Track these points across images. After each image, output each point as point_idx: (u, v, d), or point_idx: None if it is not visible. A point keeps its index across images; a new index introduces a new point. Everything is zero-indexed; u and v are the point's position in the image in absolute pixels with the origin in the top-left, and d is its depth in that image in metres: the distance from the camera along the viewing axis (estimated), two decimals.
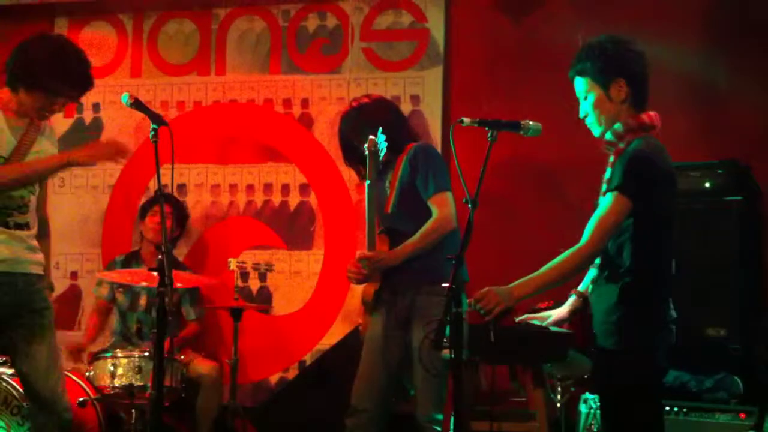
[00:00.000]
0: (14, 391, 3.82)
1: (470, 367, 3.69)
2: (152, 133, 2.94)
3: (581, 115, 2.74)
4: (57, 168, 3.18)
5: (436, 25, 4.98)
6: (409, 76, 4.97)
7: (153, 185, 5.17)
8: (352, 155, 3.64)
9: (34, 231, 3.22)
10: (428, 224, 3.46)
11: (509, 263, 4.62)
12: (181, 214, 4.90)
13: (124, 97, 2.95)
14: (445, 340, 2.56)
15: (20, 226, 3.16)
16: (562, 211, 4.56)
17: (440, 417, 3.43)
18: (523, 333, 2.68)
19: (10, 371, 3.90)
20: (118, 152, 3.21)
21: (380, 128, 3.43)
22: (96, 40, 5.25)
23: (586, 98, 2.71)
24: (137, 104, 2.97)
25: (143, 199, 5.04)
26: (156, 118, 2.96)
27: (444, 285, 2.56)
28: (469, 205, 2.59)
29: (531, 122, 2.74)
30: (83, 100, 4.99)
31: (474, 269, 3.32)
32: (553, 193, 4.75)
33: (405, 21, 5.04)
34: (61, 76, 3.11)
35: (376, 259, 3.44)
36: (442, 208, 3.46)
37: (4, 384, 3.83)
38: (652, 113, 2.69)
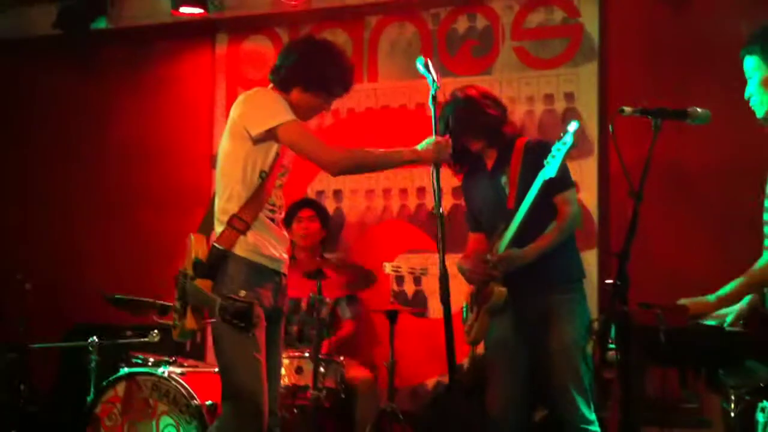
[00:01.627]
0: (183, 390, 3.94)
1: (638, 370, 3.53)
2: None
3: (746, 95, 2.60)
4: (404, 163, 3.33)
5: (589, 20, 4.84)
6: (563, 73, 4.85)
7: (310, 192, 5.30)
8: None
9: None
10: (561, 222, 3.37)
11: (667, 267, 4.46)
12: (323, 213, 4.93)
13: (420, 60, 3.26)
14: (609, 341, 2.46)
15: (279, 226, 3.20)
16: (728, 215, 4.33)
17: (594, 417, 3.30)
18: (696, 334, 2.52)
19: (179, 370, 4.08)
20: (449, 151, 3.23)
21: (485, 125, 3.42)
22: (255, 53, 5.45)
23: (752, 77, 2.57)
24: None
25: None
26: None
27: (608, 281, 2.46)
28: (634, 198, 2.48)
29: (699, 109, 2.60)
30: None
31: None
32: (718, 196, 4.50)
33: (557, 17, 4.93)
34: (339, 76, 3.19)
35: (511, 258, 3.34)
36: (570, 205, 3.42)
37: (173, 383, 3.96)
38: None
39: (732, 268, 2.61)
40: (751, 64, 2.59)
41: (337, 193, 5.28)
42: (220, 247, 3.01)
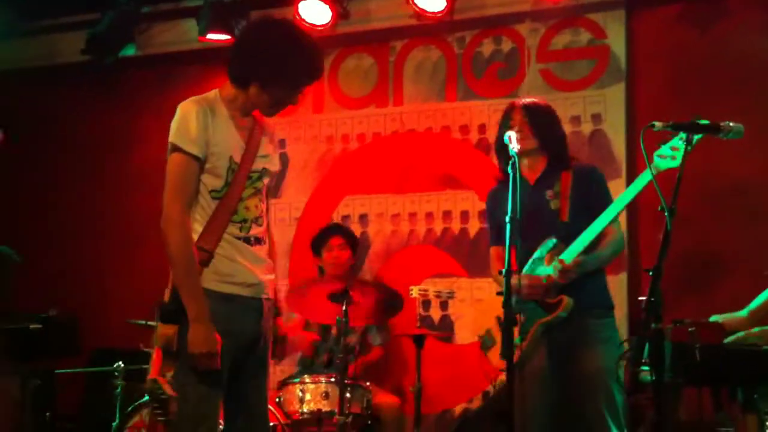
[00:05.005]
0: None
1: (673, 389, 3.45)
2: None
3: None
4: (187, 306, 2.64)
5: (616, 41, 4.81)
6: (590, 95, 4.81)
7: (336, 217, 5.28)
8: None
9: (267, 246, 2.87)
10: (613, 241, 3.35)
11: (694, 285, 4.39)
12: (352, 240, 4.87)
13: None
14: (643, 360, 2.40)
15: (259, 241, 2.81)
16: (756, 232, 4.26)
17: None
18: (732, 352, 2.46)
19: None
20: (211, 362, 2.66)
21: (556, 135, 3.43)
22: None
23: None
24: None
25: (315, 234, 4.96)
26: None
27: (641, 298, 2.40)
28: (666, 214, 2.44)
29: (732, 123, 2.55)
30: None
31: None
32: (746, 213, 4.44)
33: (583, 39, 4.91)
34: (301, 67, 2.75)
35: (583, 265, 3.26)
36: (617, 227, 3.41)
37: None
38: None
39: (763, 281, 2.56)
40: None
41: (363, 218, 5.25)
42: None
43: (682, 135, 2.87)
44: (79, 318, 5.18)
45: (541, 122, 3.49)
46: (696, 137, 2.85)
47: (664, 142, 2.87)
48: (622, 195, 3.27)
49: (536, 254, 3.38)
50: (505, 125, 3.51)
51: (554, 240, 3.34)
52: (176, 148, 2.71)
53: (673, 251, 2.97)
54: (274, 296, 2.89)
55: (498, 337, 3.58)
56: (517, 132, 3.39)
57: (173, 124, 2.75)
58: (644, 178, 3.14)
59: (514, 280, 3.21)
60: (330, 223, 5.13)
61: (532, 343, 3.41)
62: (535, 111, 3.52)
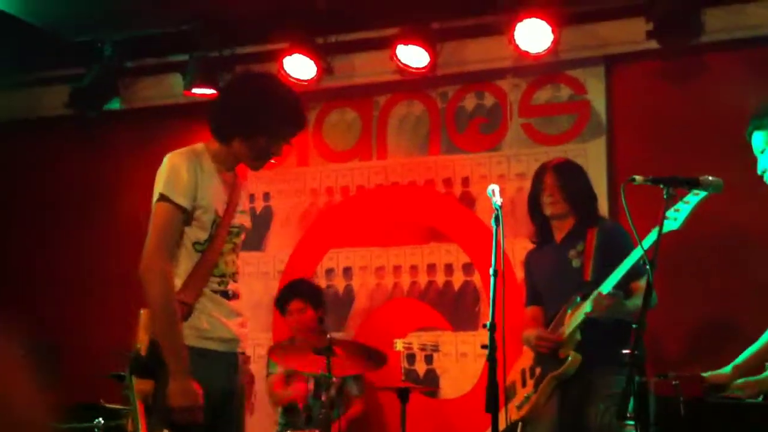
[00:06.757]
0: None
1: None
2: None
3: (759, 170, 2.61)
4: (168, 359, 2.61)
5: (596, 97, 4.89)
6: (571, 149, 4.87)
7: (320, 270, 5.27)
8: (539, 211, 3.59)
9: (240, 301, 2.86)
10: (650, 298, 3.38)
11: (689, 335, 4.41)
12: (312, 298, 4.74)
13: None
14: (628, 414, 2.40)
15: (235, 296, 2.81)
16: (740, 282, 4.30)
17: None
18: (716, 405, 2.46)
19: None
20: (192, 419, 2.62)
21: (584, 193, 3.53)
22: None
23: (763, 152, 2.58)
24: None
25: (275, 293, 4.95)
26: None
27: (624, 351, 2.41)
28: (647, 267, 2.46)
29: (711, 177, 2.59)
30: (254, 190, 5.32)
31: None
32: (726, 264, 4.48)
33: (563, 94, 4.99)
34: (282, 116, 2.78)
35: (618, 300, 3.27)
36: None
37: None
38: None
39: (744, 336, 2.57)
40: (760, 141, 2.61)
41: (347, 271, 5.25)
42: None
43: (689, 198, 2.93)
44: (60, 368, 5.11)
45: (572, 185, 3.53)
46: (696, 199, 2.91)
47: (672, 203, 2.88)
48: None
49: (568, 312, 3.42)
50: (537, 188, 3.56)
51: (579, 299, 3.37)
52: (164, 198, 2.70)
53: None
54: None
55: (519, 389, 3.60)
56: (548, 196, 3.46)
57: (161, 175, 2.74)
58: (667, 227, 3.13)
59: (526, 333, 3.27)
60: (289, 282, 4.97)
61: (543, 396, 3.42)
62: (566, 173, 3.56)
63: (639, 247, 3.12)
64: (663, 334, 4.38)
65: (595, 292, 3.29)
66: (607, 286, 3.29)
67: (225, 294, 2.77)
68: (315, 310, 4.74)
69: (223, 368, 2.75)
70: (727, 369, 2.54)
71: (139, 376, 2.60)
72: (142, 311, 2.70)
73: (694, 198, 2.98)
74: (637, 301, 3.33)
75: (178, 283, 2.70)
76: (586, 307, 3.30)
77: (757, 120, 2.64)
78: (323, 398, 3.91)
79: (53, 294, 5.79)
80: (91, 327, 5.64)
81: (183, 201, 2.70)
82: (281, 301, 4.79)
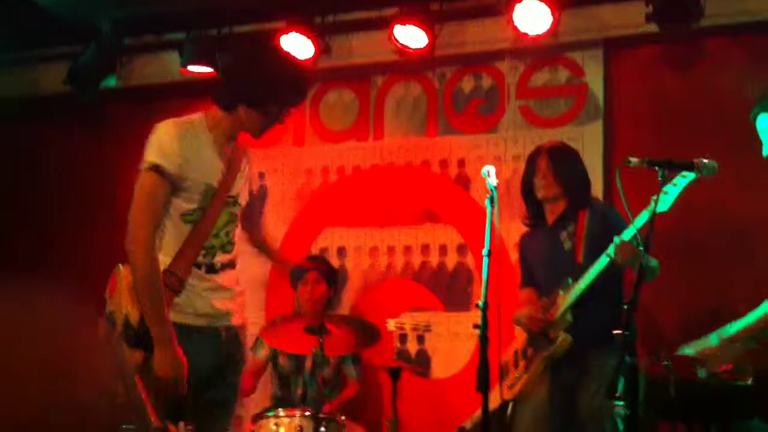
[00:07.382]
0: None
1: (647, 425, 3.45)
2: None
3: (765, 153, 2.60)
4: (152, 329, 2.60)
5: (594, 80, 4.88)
6: (567, 132, 4.86)
7: (314, 249, 5.28)
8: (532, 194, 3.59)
9: (237, 269, 2.82)
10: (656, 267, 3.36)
11: (686, 317, 4.41)
12: (330, 275, 4.79)
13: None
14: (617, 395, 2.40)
15: (227, 267, 2.77)
16: (741, 266, 4.30)
17: None
18: (707, 386, 2.47)
19: None
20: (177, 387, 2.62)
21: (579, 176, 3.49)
22: None
23: None
24: None
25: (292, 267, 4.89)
26: None
27: (616, 332, 2.42)
28: (641, 248, 2.46)
29: (705, 160, 2.59)
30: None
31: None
32: (727, 248, 4.48)
33: (561, 77, 4.98)
34: (286, 86, 2.74)
35: (635, 247, 3.19)
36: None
37: None
38: None
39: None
40: (766, 121, 2.59)
41: (341, 251, 5.25)
42: None
43: (677, 180, 2.92)
44: None
45: (565, 168, 3.52)
46: (685, 181, 2.90)
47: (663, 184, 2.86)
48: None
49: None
50: (530, 171, 3.55)
51: (570, 280, 3.37)
52: (150, 167, 2.67)
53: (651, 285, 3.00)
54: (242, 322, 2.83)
55: (511, 370, 3.60)
56: (541, 179, 3.45)
57: (150, 143, 2.71)
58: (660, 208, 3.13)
59: (517, 314, 3.27)
60: (310, 255, 5.10)
61: (534, 376, 3.42)
62: (559, 157, 3.55)
63: (632, 227, 3.12)
64: (662, 317, 4.39)
65: (617, 239, 3.24)
66: (628, 233, 3.25)
67: (211, 266, 2.72)
68: (328, 287, 4.75)
69: (205, 343, 2.72)
70: (714, 339, 2.53)
71: (131, 346, 2.60)
72: (120, 266, 2.70)
73: (682, 180, 2.97)
74: (654, 262, 3.31)
75: (164, 255, 2.67)
76: (609, 251, 3.24)
77: (765, 101, 2.63)
78: (319, 378, 3.90)
79: (47, 273, 5.78)
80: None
81: (170, 170, 2.66)
82: (298, 270, 4.75)
